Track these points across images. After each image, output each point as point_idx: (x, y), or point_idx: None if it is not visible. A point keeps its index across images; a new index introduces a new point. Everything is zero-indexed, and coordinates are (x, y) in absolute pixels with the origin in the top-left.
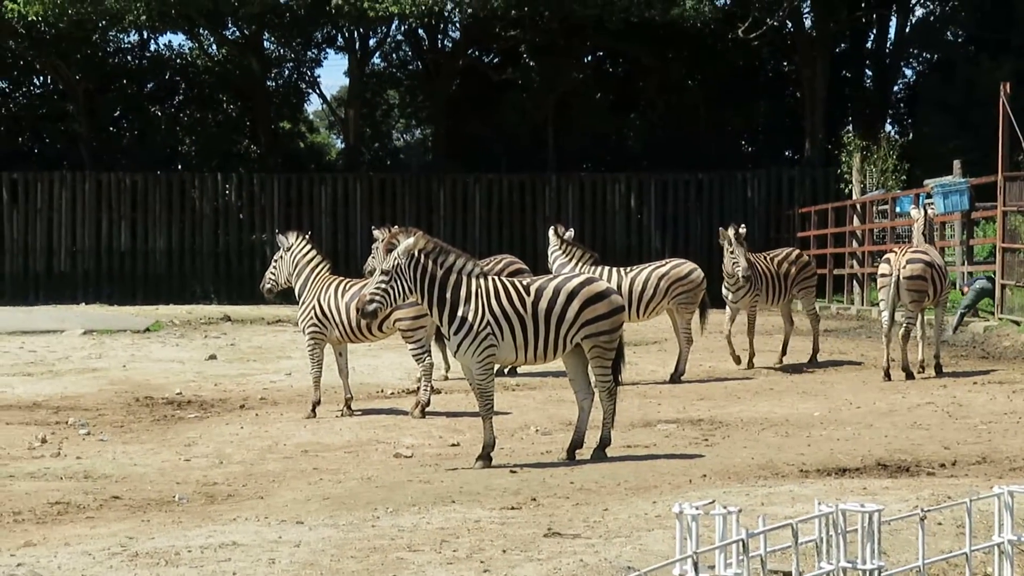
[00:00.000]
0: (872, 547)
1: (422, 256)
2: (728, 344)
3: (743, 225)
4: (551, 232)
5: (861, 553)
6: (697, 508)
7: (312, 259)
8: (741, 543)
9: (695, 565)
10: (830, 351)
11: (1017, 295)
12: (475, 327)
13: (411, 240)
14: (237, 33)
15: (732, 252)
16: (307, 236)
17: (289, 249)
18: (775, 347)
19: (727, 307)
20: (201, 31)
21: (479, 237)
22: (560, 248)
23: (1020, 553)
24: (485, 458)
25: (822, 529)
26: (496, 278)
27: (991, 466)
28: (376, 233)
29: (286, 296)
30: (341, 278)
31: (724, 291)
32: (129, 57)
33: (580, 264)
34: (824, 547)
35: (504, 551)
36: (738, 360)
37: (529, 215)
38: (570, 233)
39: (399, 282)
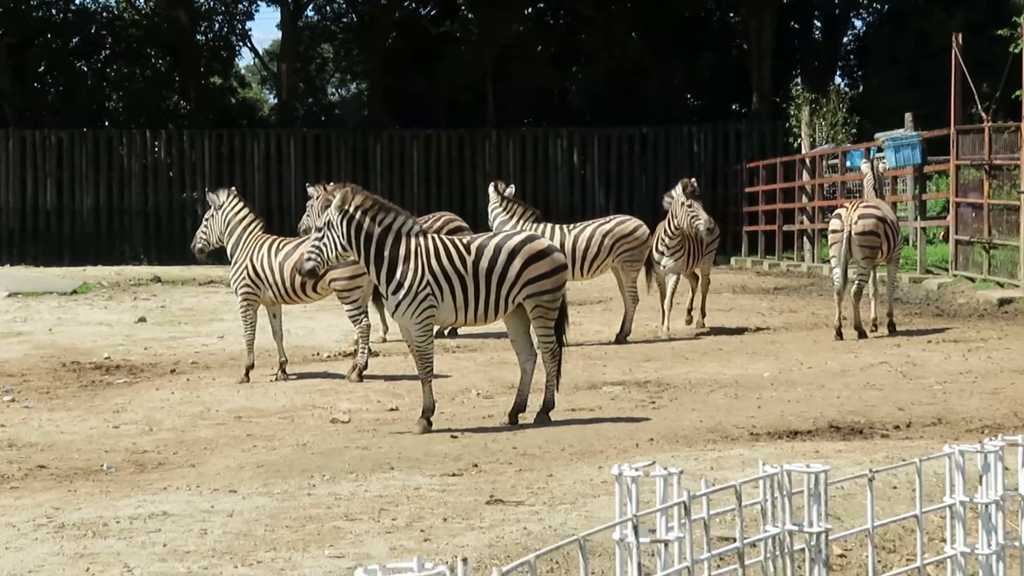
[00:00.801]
0: (819, 509)
1: (358, 212)
2: (663, 313)
3: (693, 179)
4: (491, 189)
5: (808, 516)
6: (637, 470)
7: (244, 218)
8: (683, 506)
9: (635, 529)
10: (780, 309)
11: (974, 251)
12: (414, 287)
13: (346, 194)
14: None
15: (690, 206)
16: (239, 194)
17: (220, 207)
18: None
19: (654, 270)
20: None
21: (417, 194)
22: (501, 205)
23: (973, 515)
24: (425, 423)
25: (767, 491)
26: (435, 236)
27: (947, 427)
28: (311, 191)
29: (218, 256)
30: (274, 237)
31: (657, 254)
32: (54, 11)
33: (522, 221)
34: (769, 510)
35: (445, 519)
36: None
37: (469, 172)
38: (511, 190)
39: (333, 239)
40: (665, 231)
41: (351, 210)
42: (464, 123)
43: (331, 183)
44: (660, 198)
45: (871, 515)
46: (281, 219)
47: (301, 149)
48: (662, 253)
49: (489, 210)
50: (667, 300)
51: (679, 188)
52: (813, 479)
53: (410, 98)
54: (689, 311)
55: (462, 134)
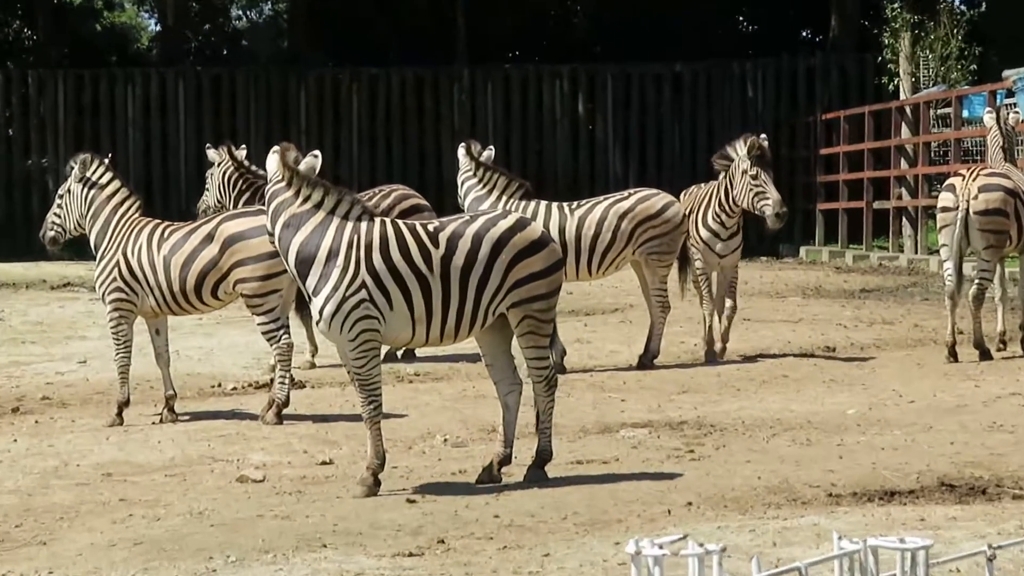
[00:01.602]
0: None
1: (284, 182)
2: (708, 327)
3: (763, 135)
4: (462, 151)
5: None
6: (662, 547)
7: (114, 194)
8: None
9: None
10: (870, 319)
11: None
12: (341, 291)
13: (284, 154)
14: None
15: (755, 177)
16: (107, 160)
17: (82, 180)
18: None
19: (696, 264)
20: None
21: (357, 158)
22: (475, 175)
23: None
24: (371, 481)
25: (845, 575)
26: (386, 220)
27: None
28: (211, 154)
29: (78, 248)
30: (157, 221)
31: (700, 241)
32: None
33: (505, 198)
34: None
35: None
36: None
37: (431, 127)
38: (488, 153)
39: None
40: (716, 206)
41: (285, 175)
42: (424, 59)
43: (235, 144)
44: (699, 163)
45: None
46: (167, 195)
47: (194, 96)
48: (706, 240)
49: (459, 181)
50: (710, 303)
51: (742, 147)
52: (909, 558)
53: (347, 25)
54: (710, 331)
55: (421, 74)
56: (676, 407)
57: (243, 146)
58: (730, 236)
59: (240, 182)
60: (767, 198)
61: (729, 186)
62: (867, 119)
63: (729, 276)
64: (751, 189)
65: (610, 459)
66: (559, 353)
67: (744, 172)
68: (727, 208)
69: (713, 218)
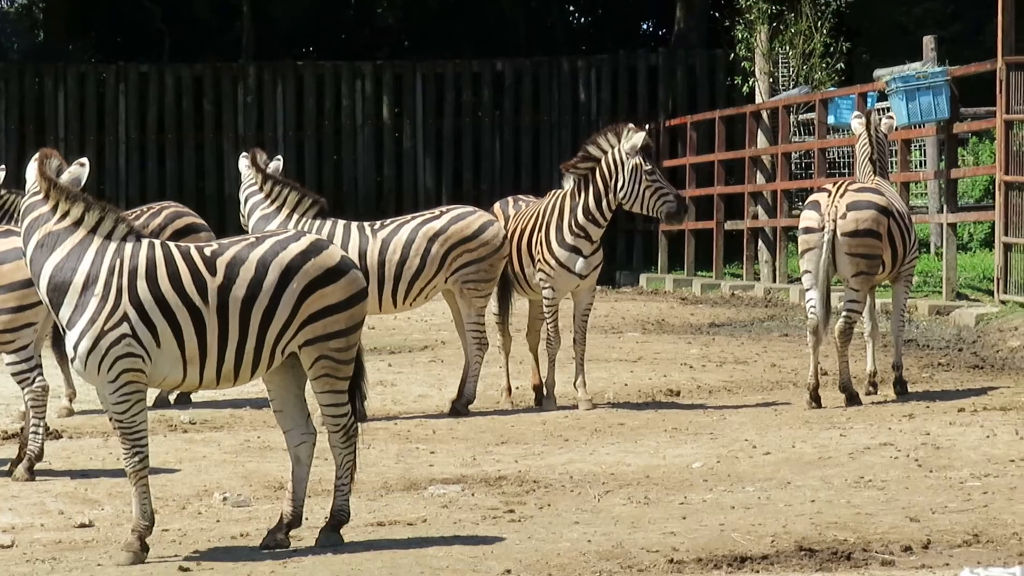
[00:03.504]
0: None
1: (41, 195)
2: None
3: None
4: (244, 161)
5: None
6: None
7: None
8: None
9: None
10: (719, 358)
11: None
12: (103, 325)
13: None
14: None
15: (651, 174)
16: None
17: None
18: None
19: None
20: None
21: (125, 168)
22: (261, 189)
23: None
24: (136, 546)
25: None
26: (155, 242)
27: (988, 548)
28: None
29: None
30: None
31: (553, 264)
32: None
33: (297, 216)
34: None
35: None
36: None
37: (210, 131)
38: (276, 163)
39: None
40: (580, 217)
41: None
42: (202, 51)
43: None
44: (523, 175)
45: None
46: None
47: None
48: (563, 261)
49: (241, 196)
50: (557, 341)
51: (624, 140)
52: None
53: (113, 14)
54: (552, 371)
55: (199, 70)
56: (494, 460)
57: (1, 167)
58: (592, 252)
59: None
60: (666, 193)
61: (603, 189)
62: (718, 125)
63: (585, 302)
64: (648, 186)
65: (417, 520)
66: (360, 398)
67: (636, 168)
68: (598, 217)
69: (575, 232)
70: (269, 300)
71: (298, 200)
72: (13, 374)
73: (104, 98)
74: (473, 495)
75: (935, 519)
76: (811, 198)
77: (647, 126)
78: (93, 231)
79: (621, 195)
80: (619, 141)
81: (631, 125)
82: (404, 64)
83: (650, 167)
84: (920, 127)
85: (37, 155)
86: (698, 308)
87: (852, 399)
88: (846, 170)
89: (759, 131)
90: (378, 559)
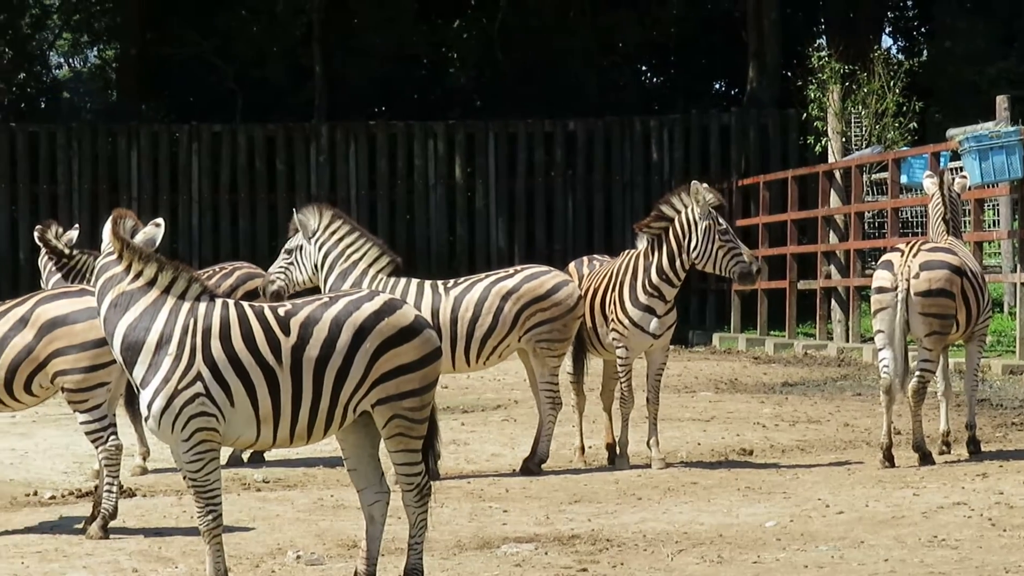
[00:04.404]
0: None
1: (115, 255)
2: (624, 425)
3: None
4: (298, 220)
5: None
6: None
7: None
8: None
9: None
10: (792, 418)
11: None
12: (176, 384)
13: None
14: None
15: (725, 233)
16: None
17: None
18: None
19: (619, 353)
20: None
21: (198, 228)
22: (326, 242)
23: None
24: None
25: None
26: (228, 302)
27: None
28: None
29: None
30: None
31: (627, 324)
32: None
33: (370, 275)
34: None
35: None
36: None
37: (283, 191)
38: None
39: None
40: (654, 276)
41: (119, 247)
42: (275, 113)
43: (59, 228)
44: (596, 235)
45: None
46: None
47: (7, 157)
48: (637, 321)
49: (298, 255)
50: (631, 401)
51: (699, 199)
52: None
53: (186, 73)
54: (625, 430)
55: (272, 131)
56: (567, 519)
57: (75, 227)
58: (667, 311)
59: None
60: (739, 253)
61: (677, 249)
62: (790, 185)
63: (658, 361)
64: (721, 246)
65: None
66: (434, 457)
67: (709, 228)
68: (671, 276)
69: (648, 291)
70: (343, 360)
71: (375, 257)
72: (87, 433)
73: (177, 158)
74: (546, 554)
75: None
76: (884, 258)
77: (720, 186)
78: (167, 291)
79: (694, 255)
80: (692, 201)
81: (704, 185)
82: (476, 124)
83: (723, 227)
84: (993, 186)
85: (112, 215)
86: (771, 368)
87: (925, 458)
88: (919, 230)
89: (832, 190)
90: None
